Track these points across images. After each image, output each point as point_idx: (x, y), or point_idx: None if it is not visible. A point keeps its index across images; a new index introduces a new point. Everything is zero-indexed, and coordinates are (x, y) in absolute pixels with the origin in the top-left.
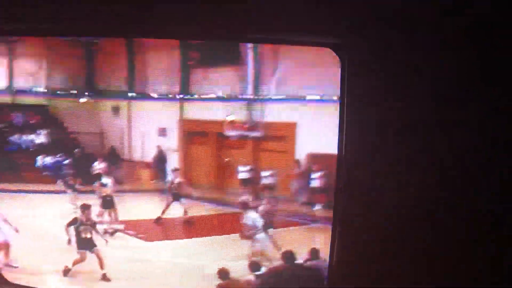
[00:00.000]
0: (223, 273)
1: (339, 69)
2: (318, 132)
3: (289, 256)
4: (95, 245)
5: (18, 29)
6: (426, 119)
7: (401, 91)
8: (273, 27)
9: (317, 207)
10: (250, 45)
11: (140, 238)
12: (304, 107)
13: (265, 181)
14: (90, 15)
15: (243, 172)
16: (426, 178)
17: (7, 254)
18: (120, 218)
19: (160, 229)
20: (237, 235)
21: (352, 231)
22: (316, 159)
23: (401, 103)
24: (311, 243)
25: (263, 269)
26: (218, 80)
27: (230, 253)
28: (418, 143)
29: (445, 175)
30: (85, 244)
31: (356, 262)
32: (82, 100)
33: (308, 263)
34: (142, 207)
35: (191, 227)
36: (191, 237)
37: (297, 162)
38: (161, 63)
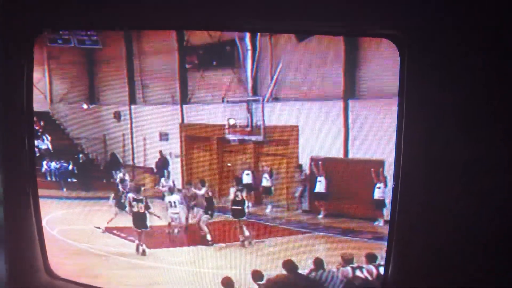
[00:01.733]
0: (226, 282)
1: (398, 63)
2: (321, 135)
3: (290, 265)
4: None
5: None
6: (492, 120)
7: (465, 89)
8: (332, 18)
9: (321, 214)
10: (249, 46)
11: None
12: (307, 109)
13: (265, 184)
14: None
15: (246, 176)
16: (495, 187)
17: None
18: (122, 224)
19: (162, 236)
20: (237, 243)
21: (409, 245)
22: (320, 163)
23: (464, 101)
24: (314, 252)
25: (266, 279)
26: (217, 84)
27: (232, 262)
28: (487, 146)
29: None
30: None
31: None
32: (85, 106)
33: (313, 273)
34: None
35: (195, 234)
36: (194, 245)
37: (300, 166)
38: (160, 67)
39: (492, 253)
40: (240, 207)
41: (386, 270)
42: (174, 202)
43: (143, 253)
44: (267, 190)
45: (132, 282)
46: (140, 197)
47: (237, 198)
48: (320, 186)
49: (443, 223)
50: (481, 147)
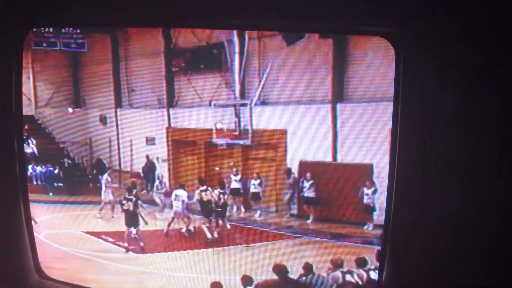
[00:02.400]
0: (216, 287)
1: (388, 66)
2: (309, 139)
3: (281, 269)
4: None
5: None
6: (490, 121)
7: (462, 88)
8: (327, 16)
9: (310, 219)
10: (236, 49)
11: (133, 250)
12: (295, 113)
13: (253, 191)
14: None
15: (234, 182)
16: (492, 190)
17: None
18: (113, 229)
19: (152, 241)
20: (228, 248)
21: (403, 250)
22: (308, 167)
23: (462, 101)
24: (303, 257)
25: (255, 283)
26: (204, 87)
27: (222, 267)
28: (486, 148)
29: None
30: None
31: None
32: (70, 110)
33: (303, 278)
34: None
35: (185, 240)
36: (184, 249)
37: (288, 170)
38: (146, 71)
39: (488, 257)
40: (221, 209)
41: (380, 274)
42: (181, 197)
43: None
44: (256, 196)
45: (121, 286)
46: (130, 197)
47: (221, 201)
48: (309, 190)
49: (438, 227)
50: (479, 150)
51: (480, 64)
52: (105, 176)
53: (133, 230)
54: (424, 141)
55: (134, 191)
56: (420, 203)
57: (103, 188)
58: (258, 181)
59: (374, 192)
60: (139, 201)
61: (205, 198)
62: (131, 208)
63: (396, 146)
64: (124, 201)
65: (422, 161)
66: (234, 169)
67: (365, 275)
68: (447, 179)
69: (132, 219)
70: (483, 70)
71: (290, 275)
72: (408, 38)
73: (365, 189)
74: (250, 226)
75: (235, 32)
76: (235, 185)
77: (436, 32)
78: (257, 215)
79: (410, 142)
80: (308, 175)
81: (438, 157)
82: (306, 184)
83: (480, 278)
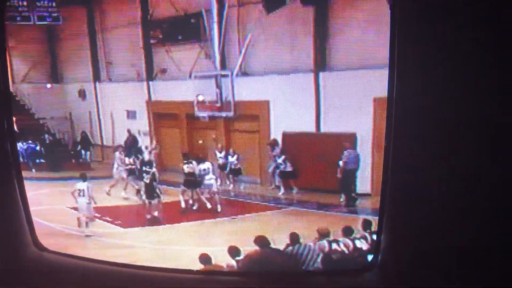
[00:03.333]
0: (204, 259)
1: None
2: (292, 109)
3: (262, 241)
4: None
5: None
6: (490, 85)
7: (457, 56)
8: None
9: (295, 190)
10: (215, 18)
11: (117, 224)
12: (277, 83)
13: (233, 167)
14: None
15: (220, 159)
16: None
17: None
18: (99, 204)
19: (136, 215)
20: (214, 220)
21: (399, 214)
22: (291, 139)
23: (458, 69)
24: (290, 227)
25: (243, 254)
26: (183, 58)
27: (208, 239)
28: (479, 115)
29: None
30: None
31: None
32: (48, 85)
33: (290, 248)
34: (117, 193)
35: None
36: (169, 224)
37: (273, 142)
38: (124, 43)
39: (482, 211)
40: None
41: (378, 239)
42: (208, 169)
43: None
44: (237, 172)
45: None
46: (149, 169)
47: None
48: (285, 165)
49: (433, 195)
50: (477, 115)
51: (479, 24)
52: (117, 154)
53: (154, 202)
54: (421, 106)
55: (153, 164)
56: (415, 171)
57: (115, 165)
58: (236, 156)
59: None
60: (156, 174)
61: (186, 171)
62: (149, 181)
63: (392, 115)
64: (144, 174)
65: (419, 128)
66: (219, 145)
67: (351, 244)
68: (443, 145)
69: (152, 191)
70: (481, 31)
71: (273, 246)
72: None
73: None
74: (236, 198)
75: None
76: (221, 161)
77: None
78: (242, 187)
79: (407, 107)
80: (278, 150)
81: (435, 123)
82: (279, 160)
83: (473, 234)
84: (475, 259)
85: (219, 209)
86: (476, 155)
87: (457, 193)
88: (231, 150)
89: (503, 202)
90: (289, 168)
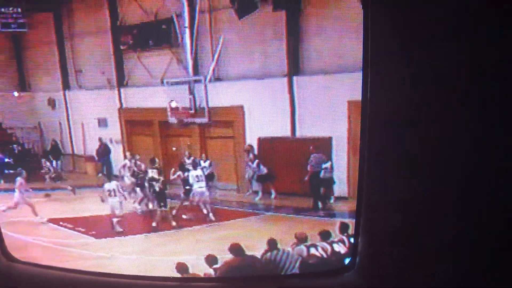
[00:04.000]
0: (181, 268)
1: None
2: (267, 114)
3: (237, 249)
4: None
5: None
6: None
7: (432, 49)
8: None
9: (273, 195)
10: (186, 23)
11: (91, 235)
12: (251, 88)
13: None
14: None
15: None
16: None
17: None
18: (69, 215)
19: (109, 225)
20: (189, 229)
21: (376, 217)
22: (267, 144)
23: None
24: (267, 233)
25: (220, 263)
26: (155, 64)
27: (184, 248)
28: (457, 116)
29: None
30: None
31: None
32: (16, 93)
33: (268, 254)
34: (90, 203)
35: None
36: (143, 233)
37: (249, 147)
38: (93, 50)
39: (460, 219)
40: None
41: (355, 241)
42: (201, 176)
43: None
44: (210, 177)
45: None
46: (159, 177)
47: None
48: (260, 169)
49: (409, 199)
50: (455, 116)
51: (454, 22)
52: (126, 161)
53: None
54: (396, 108)
55: (161, 172)
56: (391, 173)
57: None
58: (208, 162)
59: (332, 165)
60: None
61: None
62: (159, 189)
63: (366, 116)
64: (154, 182)
65: (394, 129)
66: (186, 152)
67: (329, 248)
68: (420, 147)
69: (163, 198)
70: (457, 28)
71: (248, 253)
72: None
73: (323, 164)
74: (212, 205)
75: (185, 4)
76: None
77: None
78: (217, 194)
79: (381, 110)
80: (251, 156)
81: (411, 125)
82: (253, 165)
83: (452, 236)
84: (454, 258)
85: (212, 218)
86: (454, 155)
87: (435, 194)
88: (203, 155)
89: (482, 202)
90: (264, 171)
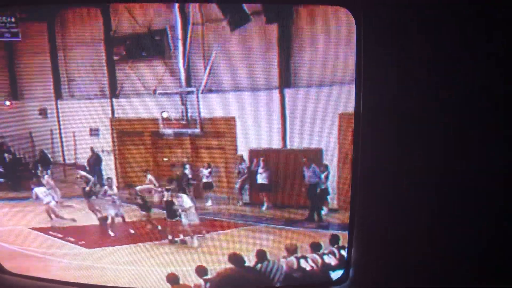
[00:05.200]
0: (172, 279)
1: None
2: (258, 126)
3: (236, 258)
4: None
5: None
6: (459, 96)
7: (425, 62)
8: None
9: (264, 206)
10: (179, 35)
11: (81, 245)
12: (243, 100)
13: (205, 180)
14: None
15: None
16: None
17: None
18: (59, 224)
19: (99, 235)
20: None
21: (369, 231)
22: (258, 155)
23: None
24: (258, 244)
25: (210, 274)
26: (148, 75)
27: (175, 259)
28: (451, 126)
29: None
30: None
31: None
32: (7, 102)
33: (259, 265)
34: (80, 212)
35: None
36: (132, 243)
37: (240, 158)
38: (86, 60)
39: (451, 233)
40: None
41: (348, 255)
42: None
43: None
44: (208, 186)
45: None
46: (171, 186)
47: (168, 199)
48: (262, 177)
49: (403, 211)
50: (449, 131)
51: (445, 32)
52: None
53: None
54: (389, 121)
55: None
56: (385, 185)
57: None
58: (209, 170)
59: (327, 176)
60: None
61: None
62: (169, 198)
63: (359, 128)
64: (165, 192)
65: (386, 141)
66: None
67: (319, 260)
68: (413, 161)
69: (173, 210)
70: (450, 38)
71: (247, 264)
72: (367, 5)
73: (317, 176)
74: (202, 216)
75: (178, 16)
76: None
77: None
78: (208, 203)
79: (374, 123)
80: (261, 162)
81: (403, 137)
82: (258, 172)
83: (446, 244)
84: (448, 269)
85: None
86: (447, 165)
87: (429, 204)
88: (205, 164)
89: (477, 211)
90: (265, 181)
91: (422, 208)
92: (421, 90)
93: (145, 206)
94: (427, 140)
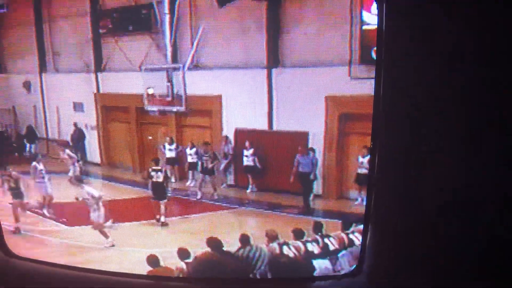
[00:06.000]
0: (152, 260)
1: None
2: (245, 105)
3: (215, 242)
4: None
5: None
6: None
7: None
8: None
9: (249, 189)
10: (166, 10)
11: (62, 222)
12: (230, 77)
13: (190, 160)
14: None
15: (170, 151)
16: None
17: None
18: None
19: (82, 213)
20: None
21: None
22: (245, 136)
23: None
24: (241, 228)
25: (192, 256)
26: (134, 50)
27: (156, 240)
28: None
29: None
30: None
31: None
32: None
33: (241, 251)
34: (63, 189)
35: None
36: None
37: (225, 138)
38: (71, 33)
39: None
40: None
41: (363, 247)
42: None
43: (164, 224)
44: (194, 166)
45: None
46: (159, 168)
47: (158, 180)
48: (248, 159)
49: (418, 207)
50: (467, 122)
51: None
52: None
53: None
54: (410, 112)
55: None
56: (402, 178)
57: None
58: (194, 149)
59: (316, 162)
60: (168, 172)
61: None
62: (161, 179)
63: (378, 115)
64: (153, 173)
65: (406, 132)
66: (168, 138)
67: (302, 247)
68: (430, 148)
69: (162, 191)
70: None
71: (225, 248)
72: None
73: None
74: (186, 198)
75: None
76: (170, 154)
77: None
78: (192, 184)
79: (393, 113)
80: (247, 143)
81: (422, 127)
82: (247, 153)
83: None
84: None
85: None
86: (466, 157)
87: (444, 199)
88: (189, 143)
89: (490, 205)
90: (251, 163)
91: (439, 203)
92: (449, 74)
93: None
94: (452, 129)
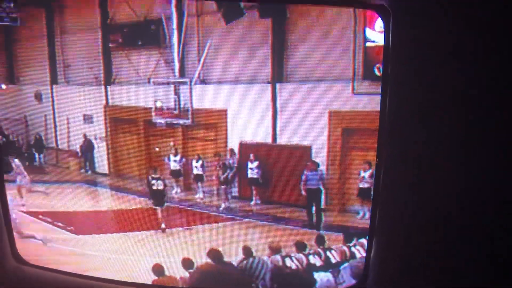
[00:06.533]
0: (157, 270)
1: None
2: (249, 119)
3: (215, 254)
4: None
5: None
6: (483, 99)
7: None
8: None
9: (253, 201)
10: (174, 26)
11: (69, 231)
12: (235, 92)
13: (196, 172)
14: None
15: (174, 163)
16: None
17: None
18: (49, 209)
19: (89, 222)
20: (169, 230)
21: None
22: (248, 149)
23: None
24: (244, 239)
25: (196, 266)
26: (143, 63)
27: (163, 250)
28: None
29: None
30: None
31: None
32: (3, 86)
33: (244, 262)
34: (70, 198)
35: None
36: (120, 232)
37: (230, 151)
38: (82, 46)
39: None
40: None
41: (367, 259)
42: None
43: (164, 230)
44: (199, 178)
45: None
46: (158, 175)
47: (159, 188)
48: (253, 172)
49: (423, 218)
50: (472, 134)
51: (472, 38)
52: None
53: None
54: (414, 126)
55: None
56: (408, 192)
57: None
58: (200, 162)
59: (322, 175)
60: (165, 180)
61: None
62: (161, 187)
63: (384, 122)
64: (153, 181)
65: (410, 150)
66: (173, 150)
67: (304, 259)
68: (436, 167)
69: (161, 198)
70: (476, 45)
71: (230, 259)
72: (397, 9)
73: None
74: (190, 208)
75: (173, 6)
76: (174, 165)
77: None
78: (197, 196)
79: (398, 117)
80: (251, 156)
81: (426, 145)
82: (252, 166)
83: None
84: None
85: None
86: (465, 162)
87: (449, 208)
88: (196, 155)
89: (499, 209)
90: (255, 175)
91: (444, 214)
92: (454, 81)
93: None
94: (458, 137)
